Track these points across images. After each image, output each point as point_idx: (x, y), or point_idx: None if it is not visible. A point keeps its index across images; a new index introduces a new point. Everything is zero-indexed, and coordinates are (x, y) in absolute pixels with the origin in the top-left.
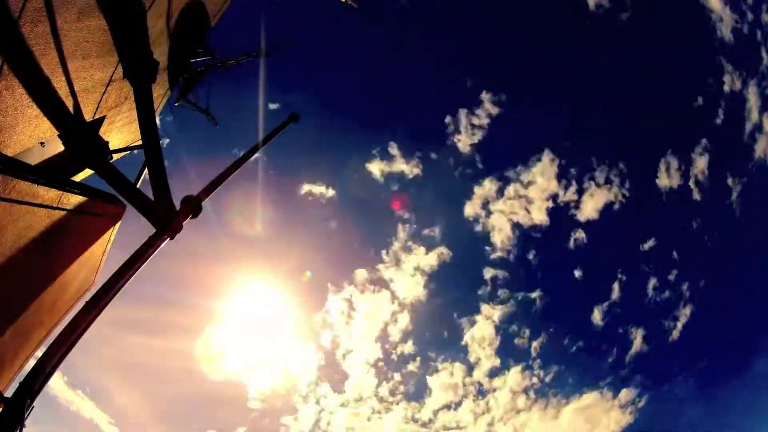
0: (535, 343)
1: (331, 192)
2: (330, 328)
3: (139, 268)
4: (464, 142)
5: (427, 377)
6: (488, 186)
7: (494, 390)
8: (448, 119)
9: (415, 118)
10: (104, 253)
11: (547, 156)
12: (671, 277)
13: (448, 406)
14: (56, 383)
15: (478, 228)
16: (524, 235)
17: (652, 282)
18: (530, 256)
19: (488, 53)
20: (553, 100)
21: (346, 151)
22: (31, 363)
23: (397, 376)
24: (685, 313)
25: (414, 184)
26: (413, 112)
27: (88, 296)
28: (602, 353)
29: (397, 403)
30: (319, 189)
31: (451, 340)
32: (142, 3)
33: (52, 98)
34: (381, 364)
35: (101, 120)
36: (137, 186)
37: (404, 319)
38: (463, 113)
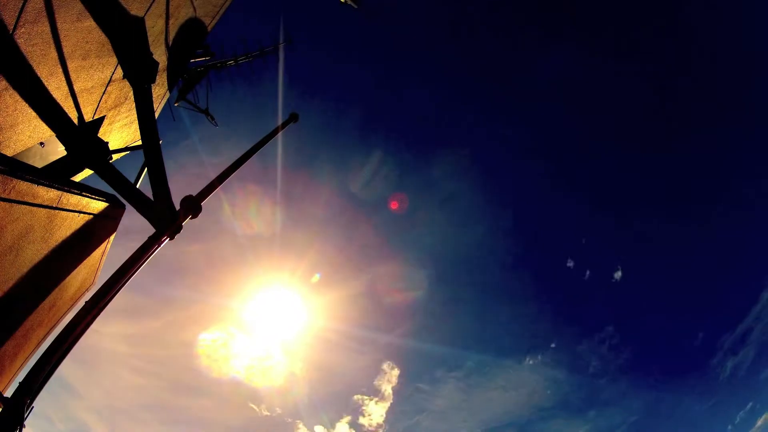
0: None
1: None
2: None
3: (139, 268)
4: None
5: None
6: None
7: None
8: None
9: None
10: (104, 253)
11: None
12: None
13: None
14: None
15: None
16: None
17: None
18: None
19: None
20: None
21: None
22: (31, 363)
23: None
24: None
25: None
26: None
27: (88, 296)
28: None
29: None
30: None
31: None
32: (132, 14)
33: (50, 101)
34: None
35: (101, 120)
36: (137, 186)
37: None
38: None
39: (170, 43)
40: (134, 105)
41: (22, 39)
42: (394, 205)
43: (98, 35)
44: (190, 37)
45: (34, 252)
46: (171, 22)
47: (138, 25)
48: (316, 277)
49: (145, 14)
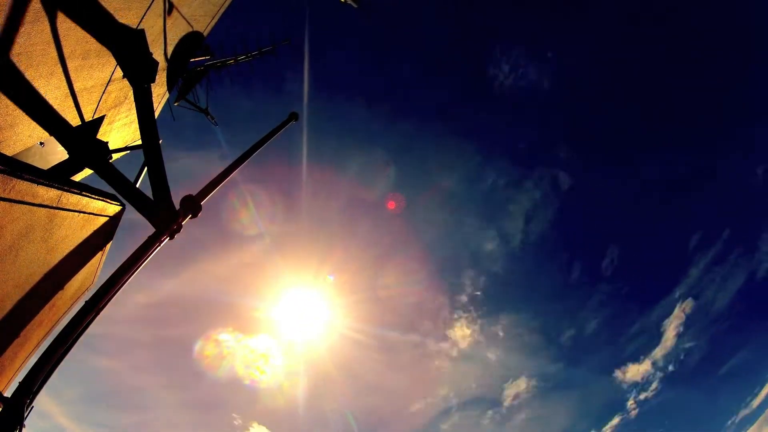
0: None
1: None
2: None
3: (138, 268)
4: None
5: None
6: None
7: None
8: None
9: None
10: (104, 253)
11: None
12: None
13: None
14: None
15: None
16: None
17: None
18: None
19: None
20: None
21: None
22: (31, 363)
23: None
24: None
25: None
26: None
27: (87, 296)
28: None
29: None
30: None
31: None
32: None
33: (46, 105)
34: None
35: (101, 119)
36: (137, 186)
37: None
38: None
39: (169, 43)
40: (134, 104)
41: (22, 39)
42: (391, 205)
43: None
44: (189, 37)
45: (34, 252)
46: (170, 22)
47: (138, 36)
48: (329, 279)
49: (143, 16)
